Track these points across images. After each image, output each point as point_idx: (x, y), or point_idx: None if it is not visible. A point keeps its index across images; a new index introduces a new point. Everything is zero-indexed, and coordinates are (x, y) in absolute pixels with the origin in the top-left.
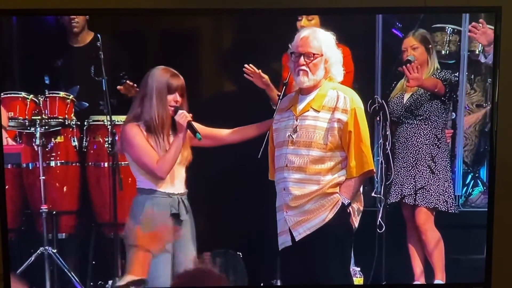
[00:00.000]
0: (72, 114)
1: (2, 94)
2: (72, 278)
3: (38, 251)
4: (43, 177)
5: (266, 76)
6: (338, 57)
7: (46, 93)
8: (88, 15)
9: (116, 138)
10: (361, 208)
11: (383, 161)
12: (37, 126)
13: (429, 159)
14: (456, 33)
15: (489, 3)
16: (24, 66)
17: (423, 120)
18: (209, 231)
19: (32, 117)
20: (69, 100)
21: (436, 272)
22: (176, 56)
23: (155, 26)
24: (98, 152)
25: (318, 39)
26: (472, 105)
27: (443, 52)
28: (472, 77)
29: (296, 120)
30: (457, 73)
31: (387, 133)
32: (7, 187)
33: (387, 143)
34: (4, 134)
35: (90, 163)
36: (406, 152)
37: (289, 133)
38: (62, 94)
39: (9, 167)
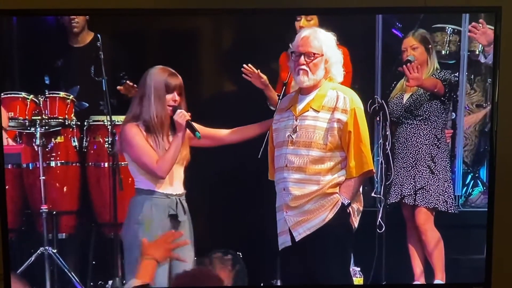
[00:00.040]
0: (72, 114)
1: (2, 94)
2: (72, 278)
3: (38, 251)
4: (43, 177)
5: (264, 76)
6: (338, 58)
7: (46, 93)
8: (88, 15)
9: (116, 138)
10: (361, 208)
11: (383, 161)
12: (37, 126)
13: (429, 159)
14: (456, 33)
15: (489, 3)
16: (24, 66)
17: (423, 120)
18: (209, 231)
19: (32, 117)
20: (69, 100)
21: (436, 272)
22: (176, 56)
23: (155, 26)
24: (98, 152)
25: (318, 39)
26: (472, 105)
27: (443, 52)
28: (472, 77)
29: (296, 120)
30: (457, 73)
31: (387, 133)
32: (7, 187)
33: (387, 143)
34: (4, 135)
35: (90, 163)
36: (406, 152)
37: (288, 133)
38: (62, 94)
39: (9, 167)
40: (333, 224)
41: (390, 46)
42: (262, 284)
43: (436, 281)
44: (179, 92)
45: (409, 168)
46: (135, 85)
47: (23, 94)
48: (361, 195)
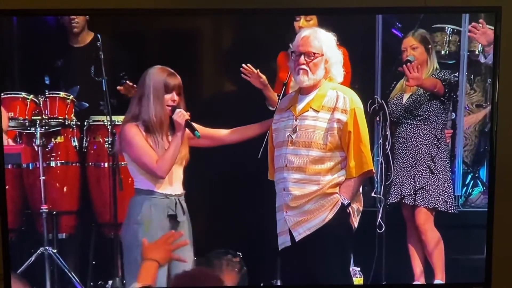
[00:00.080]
0: (72, 114)
1: (2, 94)
2: (72, 278)
3: (38, 251)
4: (43, 177)
5: (264, 76)
6: (338, 58)
7: (46, 93)
8: (88, 15)
9: (116, 138)
10: (361, 208)
11: (382, 161)
12: (37, 126)
13: (429, 159)
14: (456, 33)
15: (489, 3)
16: (24, 66)
17: (423, 120)
18: (209, 231)
19: (32, 117)
20: (69, 100)
21: (436, 272)
22: (176, 56)
23: (155, 26)
24: (98, 152)
25: (319, 39)
26: (472, 105)
27: (443, 52)
28: (472, 77)
29: (296, 120)
30: (457, 73)
31: (387, 133)
32: (7, 187)
33: (386, 143)
34: (4, 136)
35: (90, 163)
36: (406, 152)
37: (288, 133)
38: (62, 94)
39: (9, 167)
40: (333, 224)
41: (390, 46)
42: (262, 284)
43: (436, 281)
44: (178, 92)
45: (409, 168)
46: (135, 85)
47: (23, 94)
48: (361, 195)
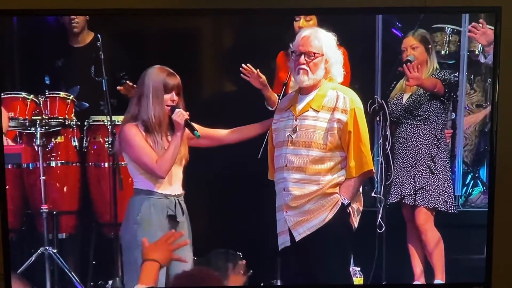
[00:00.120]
0: (72, 114)
1: (2, 94)
2: (73, 278)
3: (39, 251)
4: (44, 177)
5: (263, 77)
6: (338, 58)
7: (47, 93)
8: (88, 15)
9: (116, 138)
10: (361, 208)
11: (383, 161)
12: (37, 126)
13: (429, 159)
14: (456, 33)
15: (489, 3)
16: (25, 66)
17: (423, 120)
18: (209, 231)
19: (33, 117)
20: (69, 100)
21: (436, 272)
22: (176, 56)
23: (155, 26)
24: (99, 152)
25: (319, 38)
26: (472, 105)
27: (442, 52)
28: (472, 77)
29: (296, 120)
30: (457, 73)
31: (387, 133)
32: (7, 187)
33: (387, 143)
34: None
35: (90, 163)
36: (406, 152)
37: (288, 133)
38: (62, 94)
39: (9, 167)
40: (333, 224)
41: (390, 46)
42: (262, 284)
43: (436, 281)
44: (177, 92)
45: (409, 168)
46: (135, 85)
47: (23, 94)
48: (361, 195)
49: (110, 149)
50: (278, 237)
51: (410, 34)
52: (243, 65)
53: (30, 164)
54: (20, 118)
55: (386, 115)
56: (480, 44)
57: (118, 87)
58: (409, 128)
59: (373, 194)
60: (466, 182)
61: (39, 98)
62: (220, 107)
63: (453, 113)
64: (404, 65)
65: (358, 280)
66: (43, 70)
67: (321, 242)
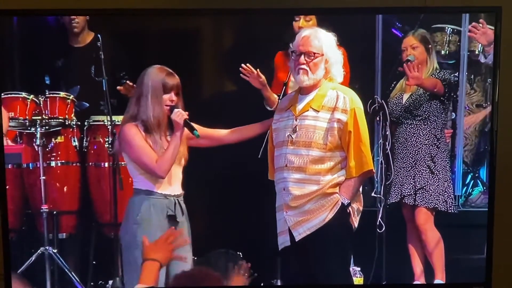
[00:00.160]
0: (73, 114)
1: (2, 94)
2: (73, 278)
3: (39, 251)
4: (44, 177)
5: (263, 76)
6: (338, 58)
7: (47, 93)
8: (88, 15)
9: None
10: (361, 208)
11: (383, 161)
12: (37, 126)
13: (429, 159)
14: (456, 33)
15: (489, 3)
16: (25, 66)
17: (422, 120)
18: (209, 231)
19: (33, 117)
20: (69, 100)
21: (436, 272)
22: (176, 56)
23: (155, 26)
24: (99, 152)
25: (319, 38)
26: (472, 105)
27: (443, 52)
28: (472, 77)
29: (296, 120)
30: (457, 73)
31: (387, 133)
32: (8, 187)
33: (387, 143)
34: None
35: (90, 163)
36: (406, 152)
37: (288, 133)
38: (62, 94)
39: (9, 167)
40: (333, 224)
41: (390, 46)
42: (262, 284)
43: (436, 281)
44: (177, 92)
45: (409, 168)
46: (135, 85)
47: (24, 94)
48: (361, 195)
49: (110, 149)
50: (278, 237)
51: (410, 33)
52: (242, 65)
53: (30, 164)
54: (20, 118)
55: (386, 115)
56: (480, 44)
57: (118, 87)
58: (409, 128)
59: (373, 194)
60: (466, 182)
61: (39, 98)
62: (219, 107)
63: (453, 113)
64: (405, 64)
65: (358, 280)
66: (43, 70)
67: (321, 242)
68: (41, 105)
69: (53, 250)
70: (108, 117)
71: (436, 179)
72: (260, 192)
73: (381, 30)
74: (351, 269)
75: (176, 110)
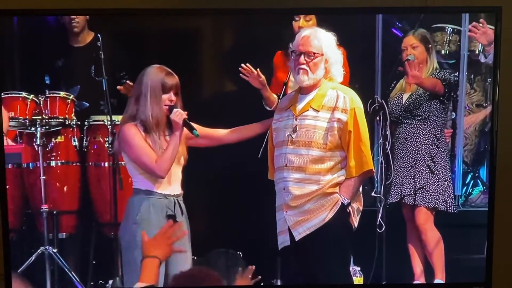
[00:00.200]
0: (73, 114)
1: (2, 94)
2: (73, 277)
3: (39, 250)
4: (44, 177)
5: (263, 76)
6: (338, 58)
7: (47, 93)
8: (89, 15)
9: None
10: (361, 208)
11: (383, 161)
12: (37, 126)
13: (429, 159)
14: (456, 33)
15: (490, 3)
16: (25, 66)
17: (422, 120)
18: (209, 231)
19: (33, 117)
20: (69, 100)
21: (436, 272)
22: (176, 56)
23: (155, 26)
24: (99, 152)
25: (319, 38)
26: (472, 105)
27: (443, 52)
28: (472, 77)
29: (296, 120)
30: (457, 73)
31: (387, 133)
32: (8, 187)
33: (387, 143)
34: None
35: (90, 163)
36: (406, 152)
37: (288, 133)
38: (62, 94)
39: (10, 167)
40: (333, 223)
41: (390, 46)
42: (262, 284)
43: (436, 281)
44: (176, 92)
45: (409, 168)
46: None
47: (24, 94)
48: (361, 194)
49: (110, 149)
50: (278, 236)
51: (411, 33)
52: (242, 65)
53: (30, 164)
54: (20, 118)
55: (386, 114)
56: (480, 44)
57: (118, 87)
58: (409, 128)
59: (373, 194)
60: (466, 182)
61: (39, 98)
62: (219, 107)
63: (453, 113)
64: (406, 62)
65: (358, 279)
66: (43, 70)
67: (321, 242)
68: (41, 105)
69: (53, 250)
70: (108, 116)
71: (436, 179)
72: (260, 192)
73: (381, 29)
74: (351, 268)
75: (175, 110)
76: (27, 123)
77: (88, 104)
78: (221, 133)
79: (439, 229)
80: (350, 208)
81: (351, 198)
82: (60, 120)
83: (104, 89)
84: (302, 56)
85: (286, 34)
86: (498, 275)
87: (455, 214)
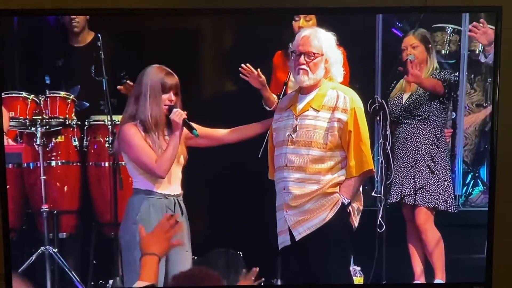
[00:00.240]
0: (73, 114)
1: (3, 94)
2: (73, 277)
3: (39, 250)
4: (44, 177)
5: (263, 76)
6: (338, 57)
7: (47, 93)
8: (89, 15)
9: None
10: (361, 208)
11: (383, 161)
12: (38, 126)
13: (429, 159)
14: (456, 33)
15: (490, 3)
16: (25, 66)
17: (422, 120)
18: (209, 231)
19: (33, 117)
20: (69, 100)
21: (436, 272)
22: (176, 56)
23: (155, 26)
24: (99, 152)
25: (319, 38)
26: (472, 104)
27: (443, 51)
28: (472, 76)
29: (296, 120)
30: (457, 73)
31: (387, 132)
32: (8, 186)
33: (387, 143)
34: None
35: (90, 163)
36: (406, 152)
37: (288, 133)
38: (62, 94)
39: (10, 166)
40: (333, 223)
41: (390, 46)
42: (262, 284)
43: (437, 281)
44: (175, 92)
45: (409, 167)
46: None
47: (24, 94)
48: (361, 194)
49: (111, 149)
50: (278, 236)
51: (411, 33)
52: (242, 65)
53: (31, 164)
54: (20, 117)
55: (386, 114)
56: (480, 44)
57: (119, 87)
58: (409, 128)
59: (373, 194)
60: (467, 182)
61: (40, 98)
62: (219, 107)
63: (453, 113)
64: (408, 59)
65: (358, 279)
66: (44, 70)
67: (321, 242)
68: (42, 105)
69: (54, 250)
70: (109, 116)
71: (436, 179)
72: (260, 191)
73: (381, 29)
74: (351, 268)
75: (175, 110)
76: (28, 123)
77: (88, 104)
78: (221, 133)
79: (439, 229)
80: (350, 208)
81: (351, 198)
82: (61, 120)
83: (104, 89)
84: (302, 56)
85: (286, 34)
86: (498, 275)
87: (455, 214)
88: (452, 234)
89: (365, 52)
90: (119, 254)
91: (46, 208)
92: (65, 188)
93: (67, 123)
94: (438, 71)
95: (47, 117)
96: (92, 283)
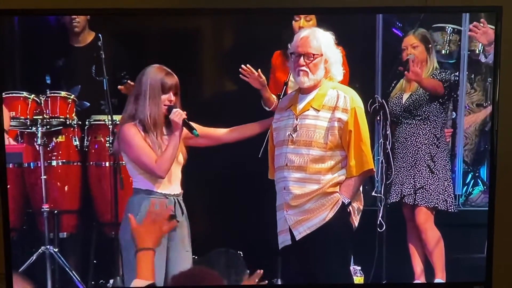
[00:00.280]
0: (74, 114)
1: (3, 94)
2: (74, 277)
3: (40, 250)
4: (45, 177)
5: (264, 77)
6: (337, 57)
7: (48, 92)
8: (89, 15)
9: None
10: (361, 207)
11: (383, 161)
12: (38, 125)
13: (428, 158)
14: (457, 33)
15: (490, 3)
16: (26, 66)
17: (422, 120)
18: (209, 231)
19: (34, 117)
20: (70, 100)
21: (437, 271)
22: (176, 56)
23: (156, 26)
24: (99, 152)
25: (317, 39)
26: (473, 104)
27: (443, 51)
28: (473, 76)
29: (296, 119)
30: (457, 73)
31: (387, 132)
32: (9, 186)
33: (387, 143)
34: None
35: (91, 163)
36: (406, 151)
37: (289, 132)
38: (63, 93)
39: (11, 166)
40: (333, 223)
41: (390, 46)
42: (262, 284)
43: (437, 280)
44: (175, 92)
45: (409, 167)
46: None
47: (25, 94)
48: (362, 194)
49: (111, 149)
50: (278, 236)
51: (411, 33)
52: (242, 65)
53: (31, 164)
54: (21, 117)
55: (386, 114)
56: (480, 44)
57: (119, 87)
58: (409, 128)
59: (373, 193)
60: (467, 181)
61: (40, 98)
62: (219, 107)
63: (453, 112)
64: (409, 58)
65: (358, 279)
66: (44, 70)
67: (321, 241)
68: (42, 105)
69: (54, 249)
70: (109, 116)
71: (436, 179)
72: (260, 191)
73: (382, 29)
74: (351, 268)
75: (174, 110)
76: (28, 123)
77: (89, 104)
78: (221, 133)
79: (439, 228)
80: (350, 207)
81: (352, 197)
82: (61, 119)
83: (105, 88)
84: (302, 57)
85: (286, 34)
86: (498, 275)
87: (455, 214)
88: (452, 233)
89: (365, 52)
90: (119, 254)
91: (47, 208)
92: (66, 188)
93: (67, 123)
94: (438, 71)
95: (47, 117)
96: (92, 282)
